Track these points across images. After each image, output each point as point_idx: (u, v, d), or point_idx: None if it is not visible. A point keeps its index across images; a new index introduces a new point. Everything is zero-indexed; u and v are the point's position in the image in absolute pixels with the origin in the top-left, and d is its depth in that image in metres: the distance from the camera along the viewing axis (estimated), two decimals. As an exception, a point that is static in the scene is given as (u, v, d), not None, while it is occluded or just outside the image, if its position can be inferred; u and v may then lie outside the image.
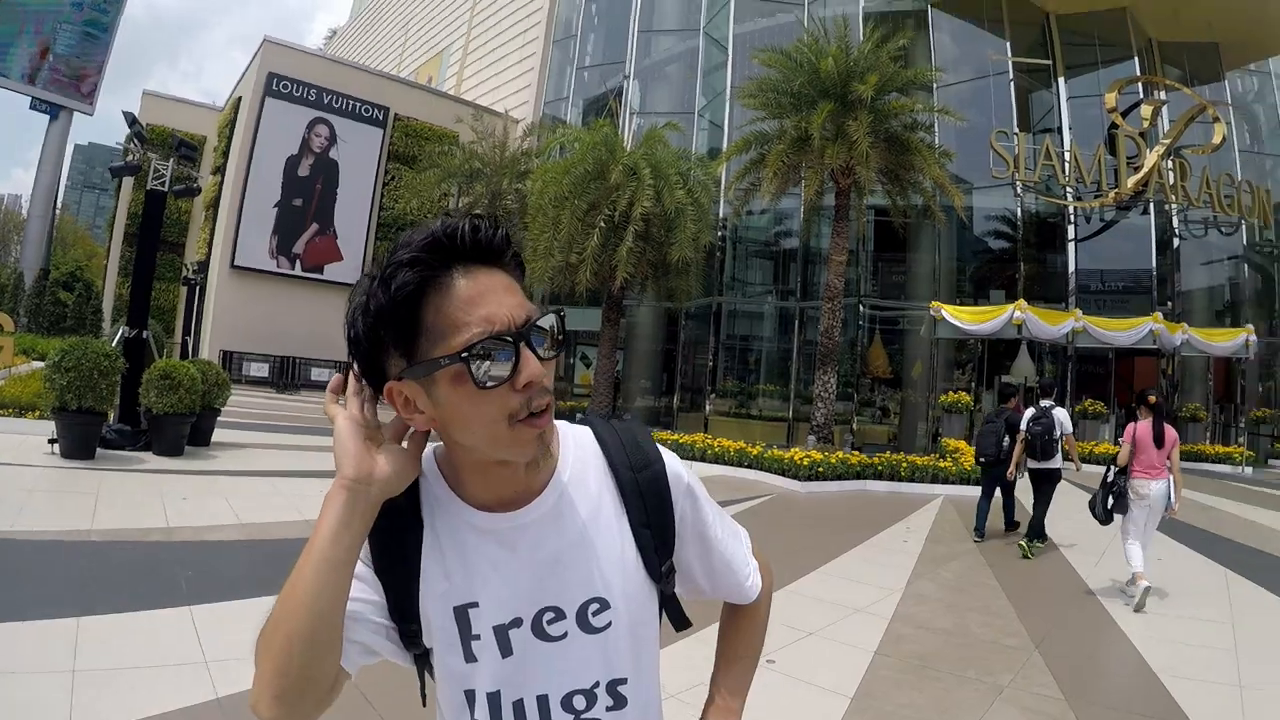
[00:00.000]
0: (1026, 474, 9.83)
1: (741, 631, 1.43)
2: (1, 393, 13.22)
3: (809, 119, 16.80)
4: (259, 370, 28.87)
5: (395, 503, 1.08)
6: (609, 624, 1.14)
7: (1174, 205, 23.74)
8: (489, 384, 0.98)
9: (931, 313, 20.56)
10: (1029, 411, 9.73)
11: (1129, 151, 23.06)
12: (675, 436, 17.16)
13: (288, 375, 29.26)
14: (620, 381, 25.02)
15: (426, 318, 0.99)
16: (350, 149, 31.98)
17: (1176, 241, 24.44)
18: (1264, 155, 28.23)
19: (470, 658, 1.12)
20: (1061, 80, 24.22)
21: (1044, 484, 9.64)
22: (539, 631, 1.12)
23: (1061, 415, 9.60)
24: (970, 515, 10.55)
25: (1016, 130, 22.56)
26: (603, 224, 18.16)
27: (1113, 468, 7.83)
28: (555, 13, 33.38)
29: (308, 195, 31.37)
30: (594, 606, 1.13)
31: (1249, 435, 23.86)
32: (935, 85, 21.03)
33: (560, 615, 1.12)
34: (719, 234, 23.47)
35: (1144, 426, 7.69)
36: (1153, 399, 8.06)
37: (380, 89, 33.63)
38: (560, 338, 1.07)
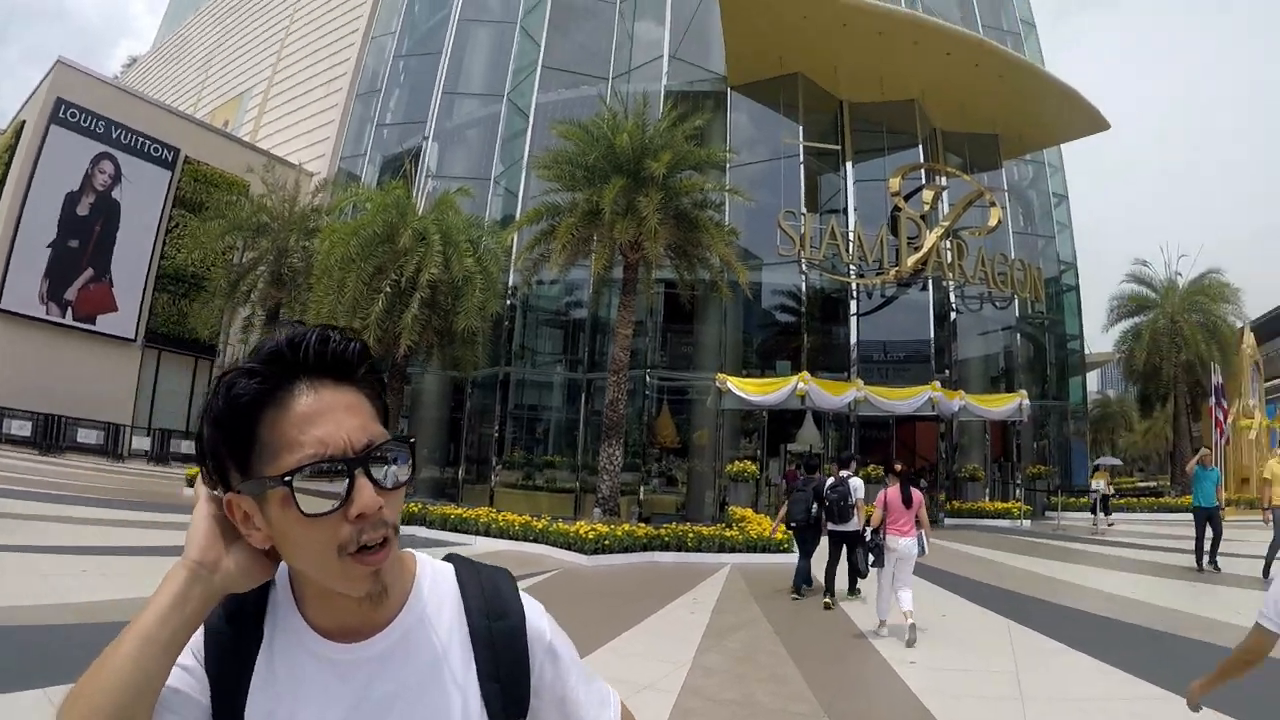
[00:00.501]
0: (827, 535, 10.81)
1: None
2: None
3: (601, 193, 16.99)
4: (21, 429, 26.47)
5: (241, 608, 1.04)
6: None
7: (951, 282, 25.49)
8: (315, 512, 0.92)
9: (717, 384, 21.16)
10: (829, 480, 10.90)
11: (910, 232, 24.68)
12: (460, 511, 16.69)
13: (52, 435, 26.99)
14: (405, 452, 24.23)
15: (262, 432, 0.95)
16: (135, 190, 30.05)
17: (953, 315, 26.35)
18: (1036, 236, 31.12)
19: None
20: (850, 164, 25.71)
21: (842, 543, 10.60)
22: None
23: (856, 484, 10.62)
24: (758, 582, 11.53)
25: (804, 210, 23.64)
26: (389, 289, 17.73)
27: (868, 528, 9.19)
28: (362, 64, 32.66)
29: (85, 237, 29.18)
30: None
31: (1025, 491, 25.63)
32: (729, 165, 21.96)
33: None
34: (508, 303, 23.42)
35: (894, 492, 8.92)
36: (899, 468, 9.43)
37: (173, 128, 31.93)
38: (411, 465, 1.01)
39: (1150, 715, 5.82)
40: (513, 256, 21.37)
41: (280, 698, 1.04)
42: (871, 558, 9.07)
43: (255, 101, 40.54)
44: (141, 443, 29.10)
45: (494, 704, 1.08)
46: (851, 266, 23.99)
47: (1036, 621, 9.07)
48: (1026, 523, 22.81)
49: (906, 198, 25.18)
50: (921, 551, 8.84)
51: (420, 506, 17.23)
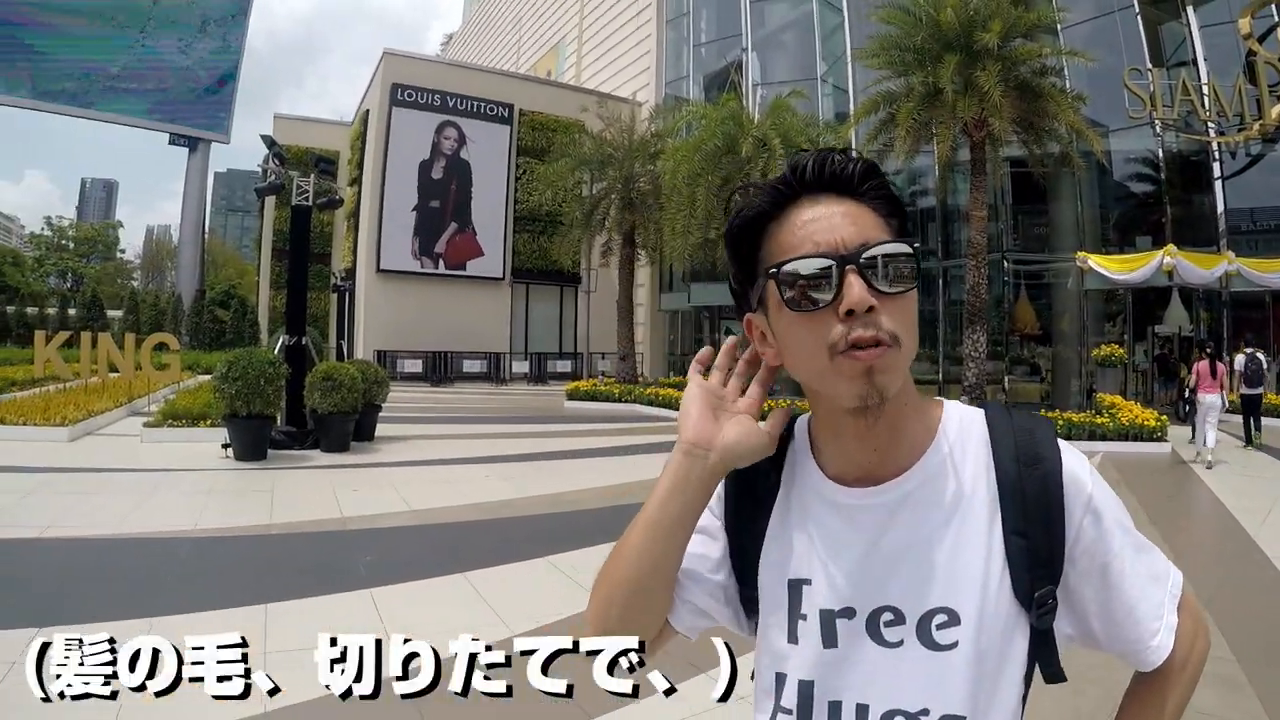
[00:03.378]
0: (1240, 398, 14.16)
1: (1143, 711, 1.07)
2: (174, 405, 14.22)
3: (936, 73, 16.66)
4: (413, 367, 30.21)
5: (758, 467, 1.05)
6: (955, 643, 0.95)
7: (1328, 131, 22.42)
8: (803, 306, 0.91)
9: (1079, 264, 20.21)
10: (1240, 357, 14.75)
11: (1270, 79, 21.78)
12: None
13: (441, 370, 30.57)
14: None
15: (764, 244, 0.97)
16: (479, 148, 33.35)
17: (1334, 170, 23.17)
18: None
19: (792, 638, 1.02)
20: (1191, 9, 22.91)
21: (1254, 404, 14.44)
22: (873, 631, 0.97)
23: (1263, 357, 14.18)
24: (1131, 471, 12.04)
25: (1149, 66, 21.75)
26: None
27: (1188, 390, 13.82)
28: (665, -10, 33.68)
29: (443, 196, 32.94)
30: (940, 618, 0.95)
31: None
32: (1060, 26, 20.58)
33: (899, 619, 0.97)
34: (856, 198, 23.54)
35: (1204, 365, 13.14)
36: (1209, 349, 14.20)
37: (502, 87, 34.88)
38: (915, 271, 0.94)
39: None
40: (853, 151, 21.40)
41: (792, 544, 1.04)
42: (1189, 408, 13.41)
43: (571, 48, 42.81)
44: (520, 367, 32.51)
45: (1019, 562, 0.96)
46: (1210, 124, 21.63)
47: None
48: None
49: (1261, 39, 22.04)
50: (1223, 405, 12.90)
51: (789, 401, 18.01)
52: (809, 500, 1.04)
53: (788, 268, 0.91)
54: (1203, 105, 21.56)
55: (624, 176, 23.98)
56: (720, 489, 1.08)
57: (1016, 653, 0.96)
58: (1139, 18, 22.63)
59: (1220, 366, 13.08)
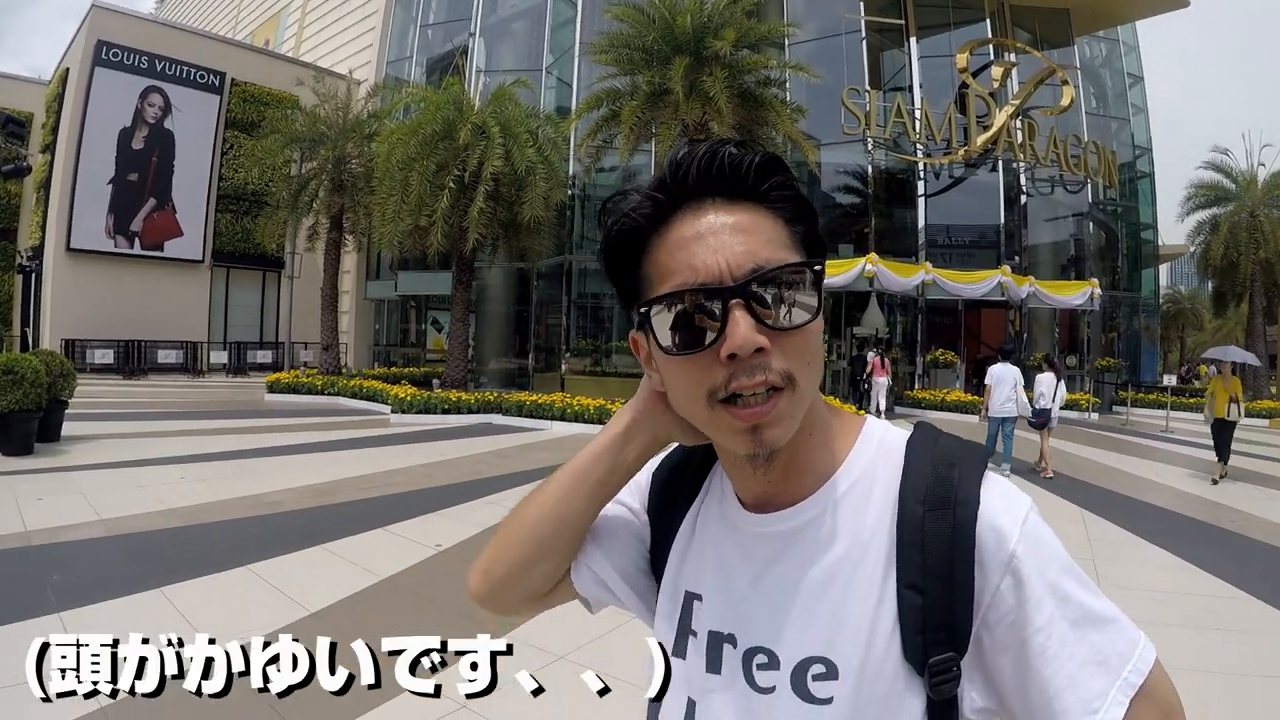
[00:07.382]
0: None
1: None
2: None
3: (665, 74, 16.76)
4: (104, 357, 27.49)
5: (688, 461, 1.00)
6: (830, 699, 0.81)
7: (1022, 163, 24.60)
8: (678, 349, 0.79)
9: None
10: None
11: (979, 111, 23.85)
12: (533, 397, 17.06)
13: (134, 360, 27.91)
14: (474, 345, 24.50)
15: (644, 263, 0.84)
16: (186, 118, 30.25)
17: (1024, 198, 25.43)
18: (1110, 118, 29.44)
19: (679, 651, 0.93)
20: (913, 40, 24.62)
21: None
22: (746, 670, 0.86)
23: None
24: None
25: (868, 88, 22.81)
26: (452, 185, 17.74)
27: (866, 374, 18.79)
28: (398, -33, 32.29)
29: (143, 169, 29.55)
30: (816, 669, 0.82)
31: (1094, 383, 24.82)
32: (788, 41, 21.15)
33: (773, 663, 0.85)
34: (569, 192, 23.22)
35: (876, 360, 18.21)
36: (880, 349, 19.36)
37: (216, 53, 31.84)
38: (816, 301, 0.80)
39: (1221, 611, 5.70)
40: (572, 146, 21.26)
41: (690, 557, 0.97)
42: (866, 386, 18.56)
43: (294, 18, 40.22)
44: (219, 357, 30.06)
45: (910, 621, 0.80)
46: (919, 146, 23.17)
47: (1109, 512, 9.09)
48: (1094, 415, 22.08)
49: (974, 74, 24.19)
50: (889, 385, 18.66)
51: (495, 395, 17.58)
52: (713, 517, 0.96)
53: (658, 305, 0.80)
54: (914, 128, 23.02)
55: (336, 157, 22.64)
56: (648, 481, 1.03)
57: (905, 716, 0.80)
58: (864, 42, 23.76)
59: (886, 362, 18.76)
